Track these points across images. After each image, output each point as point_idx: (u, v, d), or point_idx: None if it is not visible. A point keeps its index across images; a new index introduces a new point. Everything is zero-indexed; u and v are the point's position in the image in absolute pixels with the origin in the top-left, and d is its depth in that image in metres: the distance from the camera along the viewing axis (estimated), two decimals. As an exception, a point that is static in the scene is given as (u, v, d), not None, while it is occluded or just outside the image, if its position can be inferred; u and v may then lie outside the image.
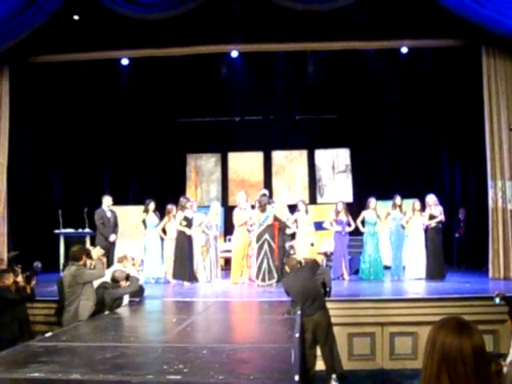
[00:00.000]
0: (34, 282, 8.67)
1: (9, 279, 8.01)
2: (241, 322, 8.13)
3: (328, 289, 8.60)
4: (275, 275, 11.36)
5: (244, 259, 11.95)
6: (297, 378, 4.14)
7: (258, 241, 11.45)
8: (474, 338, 2.02)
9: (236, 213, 12.22)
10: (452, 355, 1.99)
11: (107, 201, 12.11)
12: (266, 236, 11.46)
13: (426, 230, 11.77)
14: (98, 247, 8.59)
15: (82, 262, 7.71)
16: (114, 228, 12.03)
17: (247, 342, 6.08)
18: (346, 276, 12.10)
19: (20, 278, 8.28)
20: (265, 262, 11.30)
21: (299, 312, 7.34)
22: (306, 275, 7.78)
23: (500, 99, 11.76)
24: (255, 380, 4.23)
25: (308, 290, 7.61)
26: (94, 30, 11.87)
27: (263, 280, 11.26)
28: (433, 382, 2.00)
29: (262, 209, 11.63)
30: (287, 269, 8.21)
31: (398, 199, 12.13)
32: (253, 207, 12.30)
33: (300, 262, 8.16)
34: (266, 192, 12.66)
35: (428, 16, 11.42)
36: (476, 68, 12.15)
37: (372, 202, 12.25)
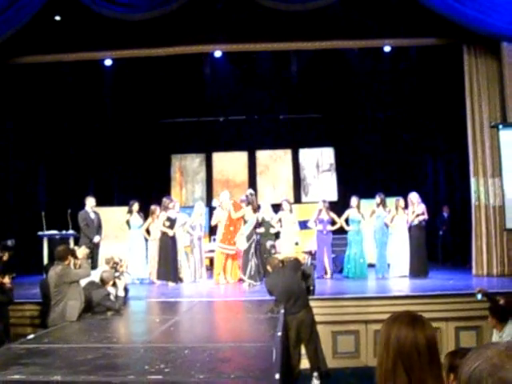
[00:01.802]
0: (5, 258, 8.71)
1: None
2: (224, 321, 8.14)
3: (312, 287, 8.62)
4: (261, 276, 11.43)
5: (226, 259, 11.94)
6: (277, 376, 4.15)
7: (247, 240, 11.45)
8: (426, 330, 2.08)
9: (216, 212, 12.23)
10: (407, 348, 2.04)
11: (90, 202, 12.07)
12: (254, 236, 11.50)
13: (410, 227, 11.83)
14: (83, 246, 8.59)
15: (67, 262, 7.67)
16: (98, 229, 12.00)
17: (229, 341, 6.09)
18: (328, 274, 12.14)
19: (7, 280, 8.23)
20: (253, 262, 11.31)
21: (282, 311, 7.36)
22: (288, 274, 7.81)
23: (482, 97, 11.86)
24: (236, 379, 4.25)
25: (291, 288, 7.63)
26: (76, 31, 11.80)
27: (255, 280, 11.26)
28: (389, 377, 2.03)
29: (254, 209, 11.67)
30: (269, 268, 8.23)
31: (378, 198, 12.19)
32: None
33: (282, 261, 8.18)
34: (253, 191, 12.67)
35: (410, 15, 11.48)
36: (458, 66, 12.23)
37: (353, 200, 12.30)
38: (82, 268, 7.84)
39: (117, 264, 8.70)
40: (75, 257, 8.04)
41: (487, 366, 1.31)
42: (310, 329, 7.62)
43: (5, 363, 4.89)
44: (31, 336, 6.43)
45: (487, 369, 1.30)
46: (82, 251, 8.16)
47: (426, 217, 11.77)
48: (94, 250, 11.64)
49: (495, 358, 1.32)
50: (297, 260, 8.48)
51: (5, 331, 7.94)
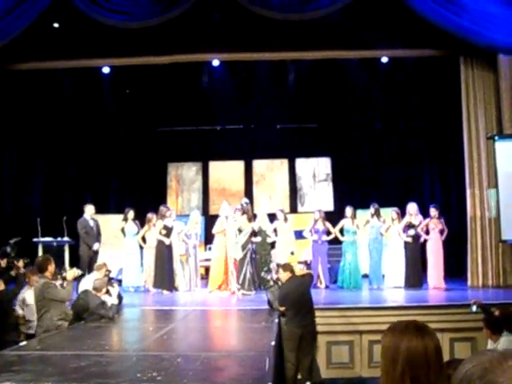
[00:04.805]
0: (3, 265, 8.76)
1: (0, 285, 7.95)
2: (218, 330, 8.12)
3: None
4: (255, 284, 11.43)
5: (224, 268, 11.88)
6: (269, 385, 4.14)
7: (242, 250, 11.43)
8: (434, 339, 2.06)
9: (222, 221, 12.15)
10: (417, 358, 2.01)
11: (90, 209, 12.03)
12: (249, 246, 11.49)
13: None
14: (75, 268, 8.25)
15: (48, 273, 7.55)
16: (97, 237, 11.97)
17: (223, 350, 6.08)
18: (322, 285, 12.14)
19: (21, 263, 8.31)
20: (248, 271, 11.29)
21: (276, 320, 7.34)
22: (306, 286, 7.83)
23: (478, 108, 11.91)
24: (228, 387, 4.23)
25: (305, 300, 7.64)
26: (74, 38, 11.81)
27: (250, 290, 11.24)
28: None
29: (250, 218, 11.67)
30: (282, 271, 8.10)
31: (372, 208, 12.19)
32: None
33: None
34: (248, 201, 12.66)
35: (407, 26, 11.52)
36: (455, 78, 12.28)
37: (348, 210, 12.28)
38: (65, 289, 7.65)
39: (109, 271, 8.64)
40: (63, 278, 7.94)
41: (478, 369, 1.34)
42: (312, 342, 7.64)
43: (-4, 370, 4.86)
44: (24, 343, 6.40)
45: (477, 372, 1.33)
46: (71, 273, 7.89)
47: (419, 228, 11.77)
48: (93, 258, 11.60)
49: (487, 363, 1.35)
50: (310, 275, 8.51)
51: (15, 328, 7.89)
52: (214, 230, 12.09)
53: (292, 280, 7.90)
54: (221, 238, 11.94)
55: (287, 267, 8.17)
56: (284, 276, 7.99)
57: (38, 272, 7.61)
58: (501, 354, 1.37)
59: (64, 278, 7.77)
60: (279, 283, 8.26)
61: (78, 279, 8.66)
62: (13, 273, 8.92)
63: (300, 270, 9.05)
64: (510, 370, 1.30)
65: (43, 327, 7.29)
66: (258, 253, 11.86)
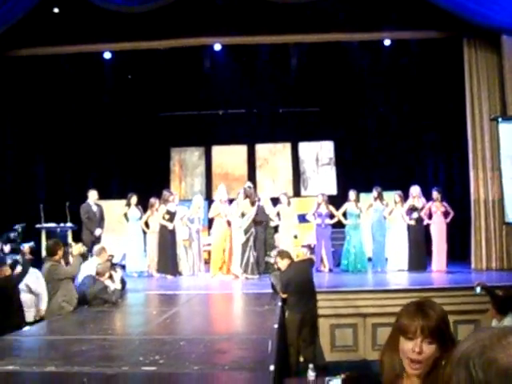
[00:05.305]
0: (6, 250, 8.83)
1: (7, 271, 7.97)
2: (221, 314, 8.13)
3: None
4: (260, 268, 11.44)
5: (225, 252, 11.88)
6: (272, 367, 4.14)
7: (245, 234, 11.42)
8: None
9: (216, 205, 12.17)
10: None
11: (93, 195, 12.04)
12: (253, 229, 11.47)
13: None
14: (80, 244, 8.40)
15: (57, 257, 7.62)
16: (100, 222, 11.98)
17: (226, 333, 6.08)
18: (326, 268, 12.13)
19: (27, 249, 8.35)
20: (251, 255, 11.28)
21: (280, 303, 7.34)
22: (309, 270, 7.83)
23: (481, 90, 11.83)
24: (230, 370, 4.23)
25: (307, 285, 7.65)
26: (75, 23, 11.76)
27: (253, 273, 11.24)
28: None
29: (253, 202, 11.63)
30: (280, 259, 8.07)
31: (375, 191, 12.16)
32: (230, 202, 12.24)
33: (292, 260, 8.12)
34: (251, 184, 12.63)
35: (411, 8, 11.43)
36: (458, 59, 12.19)
37: (351, 194, 12.27)
38: (71, 265, 7.77)
39: (112, 256, 8.65)
40: (67, 255, 8.00)
41: (477, 346, 1.31)
42: (313, 325, 7.65)
43: (-1, 354, 4.87)
44: (27, 328, 6.41)
45: (476, 349, 1.31)
46: (77, 248, 8.03)
47: (423, 211, 11.72)
48: (95, 243, 11.61)
49: (486, 340, 1.32)
50: (311, 259, 8.51)
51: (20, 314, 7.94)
52: (210, 215, 12.17)
53: (292, 266, 7.88)
54: (219, 221, 11.94)
55: (284, 254, 8.14)
56: (283, 263, 7.95)
57: (48, 255, 7.67)
58: (500, 330, 1.35)
59: (69, 254, 7.87)
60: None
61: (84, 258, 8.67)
62: (19, 258, 8.97)
63: (303, 254, 9.06)
64: (509, 346, 1.28)
65: (50, 307, 7.35)
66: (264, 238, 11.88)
